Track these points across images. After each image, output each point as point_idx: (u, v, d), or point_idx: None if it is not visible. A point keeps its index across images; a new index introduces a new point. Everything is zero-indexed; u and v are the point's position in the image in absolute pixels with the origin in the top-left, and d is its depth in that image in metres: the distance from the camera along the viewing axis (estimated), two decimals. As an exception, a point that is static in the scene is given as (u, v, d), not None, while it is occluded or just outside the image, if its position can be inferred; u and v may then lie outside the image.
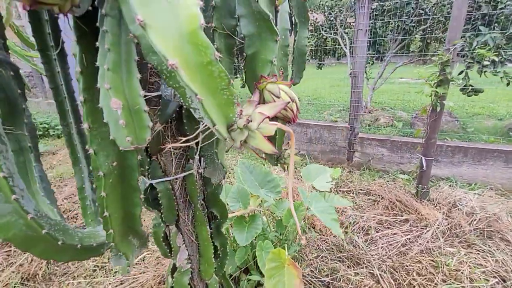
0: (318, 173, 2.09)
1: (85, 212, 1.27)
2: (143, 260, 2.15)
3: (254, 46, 0.49)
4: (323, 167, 2.13)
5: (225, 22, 0.51)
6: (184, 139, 0.66)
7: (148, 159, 0.98)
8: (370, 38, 4.34)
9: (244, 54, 0.50)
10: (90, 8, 0.48)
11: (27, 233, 0.42)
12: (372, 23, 4.48)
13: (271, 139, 0.76)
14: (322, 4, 5.68)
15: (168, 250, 1.13)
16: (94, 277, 2.01)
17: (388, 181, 3.16)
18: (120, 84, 0.40)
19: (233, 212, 1.77)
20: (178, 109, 0.86)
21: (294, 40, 0.99)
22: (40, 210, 0.46)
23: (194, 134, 0.70)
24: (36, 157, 0.73)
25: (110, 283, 1.93)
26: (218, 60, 0.30)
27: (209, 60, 0.29)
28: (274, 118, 0.43)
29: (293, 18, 0.97)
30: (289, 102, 0.47)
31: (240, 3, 0.46)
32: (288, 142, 0.76)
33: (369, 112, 5.67)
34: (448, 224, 2.34)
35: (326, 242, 2.28)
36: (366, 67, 5.03)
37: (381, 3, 4.46)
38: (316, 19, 6.23)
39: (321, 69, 6.69)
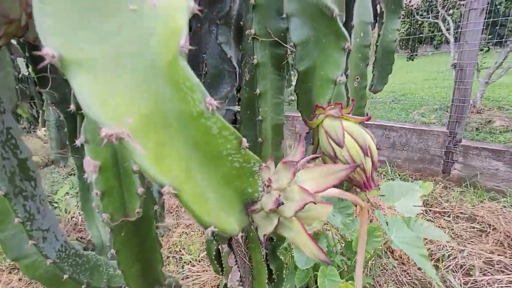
0: (403, 192, 1.71)
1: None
2: (206, 257, 2.23)
3: (309, 58, 0.33)
4: (411, 185, 1.73)
5: (271, 24, 0.37)
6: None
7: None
8: (487, 19, 3.38)
9: (296, 69, 0.35)
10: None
11: (51, 274, 0.40)
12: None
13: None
14: (419, -17, 4.77)
15: (220, 268, 1.08)
16: None
17: (504, 206, 2.42)
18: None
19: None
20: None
21: (378, 35, 0.76)
22: (67, 247, 0.44)
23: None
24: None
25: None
26: (217, 108, 0.17)
27: (200, 110, 0.17)
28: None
29: (378, 6, 0.74)
30: (357, 166, 0.30)
31: None
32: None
33: (478, 112, 4.53)
34: None
35: (407, 274, 1.89)
36: (477, 55, 3.99)
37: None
38: (410, 1, 5.30)
39: (412, 60, 5.70)
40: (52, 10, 0.14)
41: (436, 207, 2.59)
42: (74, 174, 3.73)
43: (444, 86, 6.89)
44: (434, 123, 4.45)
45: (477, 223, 2.25)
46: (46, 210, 0.42)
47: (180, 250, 2.45)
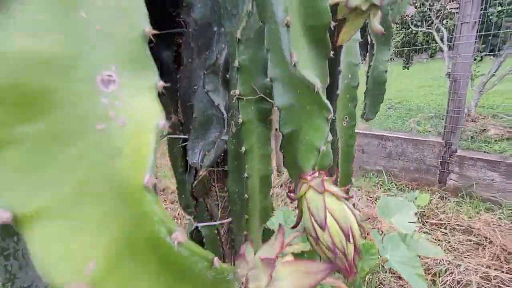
0: (398, 208, 1.71)
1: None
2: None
3: (293, 122, 0.33)
4: (405, 202, 1.73)
5: (257, 82, 0.37)
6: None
7: (195, 201, 0.92)
8: (480, 32, 3.44)
9: (280, 133, 0.35)
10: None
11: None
12: (483, 11, 3.54)
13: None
14: (413, -6, 4.85)
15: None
16: None
17: (500, 218, 2.42)
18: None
19: (291, 245, 1.60)
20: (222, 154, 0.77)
21: (369, 66, 0.76)
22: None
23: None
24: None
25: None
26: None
27: (168, 244, 0.16)
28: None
29: (368, 37, 0.75)
30: (337, 268, 0.29)
31: (272, 60, 0.31)
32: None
33: (473, 121, 4.57)
34: None
35: (404, 289, 1.88)
36: (471, 65, 4.04)
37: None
38: (404, 12, 5.38)
39: (408, 69, 5.76)
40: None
41: (433, 219, 2.58)
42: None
43: (439, 94, 6.95)
44: (429, 131, 4.48)
45: (474, 235, 2.25)
46: (28, 263, 0.41)
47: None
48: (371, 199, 3.05)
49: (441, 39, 4.64)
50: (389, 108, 6.24)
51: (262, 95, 0.37)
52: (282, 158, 0.36)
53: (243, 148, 0.40)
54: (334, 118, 0.50)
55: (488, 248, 2.07)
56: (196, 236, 0.98)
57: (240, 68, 0.35)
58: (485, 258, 2.00)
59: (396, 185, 3.41)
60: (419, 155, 3.31)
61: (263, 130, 0.42)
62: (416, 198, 2.87)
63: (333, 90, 0.48)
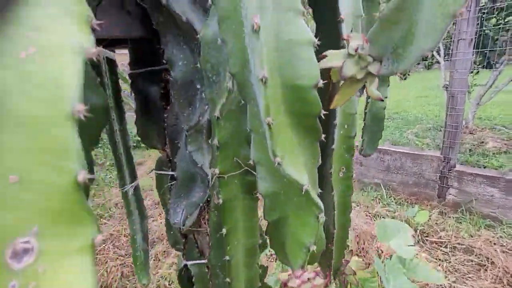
0: (395, 231, 1.67)
1: (135, 262, 1.30)
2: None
3: (279, 211, 0.29)
4: (403, 224, 1.70)
5: (241, 154, 0.33)
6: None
7: (184, 238, 0.88)
8: (477, 48, 3.46)
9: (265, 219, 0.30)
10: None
11: None
12: (479, 28, 3.56)
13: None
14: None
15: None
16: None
17: (501, 236, 2.38)
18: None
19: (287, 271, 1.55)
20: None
21: (367, 103, 0.73)
22: None
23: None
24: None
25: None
26: None
27: None
28: None
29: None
30: None
31: (255, 144, 0.27)
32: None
33: (471, 133, 4.57)
34: None
35: (405, 314, 1.81)
36: (468, 78, 4.05)
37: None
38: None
39: (405, 79, 5.79)
40: None
41: (433, 236, 2.54)
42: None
43: (436, 104, 6.97)
44: (427, 143, 4.47)
45: (475, 255, 2.20)
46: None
47: (169, 284, 2.34)
48: (370, 214, 3.00)
49: (437, 52, 4.67)
50: (386, 119, 6.24)
51: (247, 168, 0.33)
52: (269, 241, 0.32)
53: (224, 231, 0.36)
54: (330, 172, 0.46)
55: (490, 270, 2.02)
56: (185, 273, 0.93)
57: (220, 146, 0.32)
58: (487, 280, 1.95)
59: (395, 199, 3.36)
60: (417, 169, 3.28)
61: (249, 202, 0.38)
62: (415, 215, 2.83)
63: (328, 144, 0.45)
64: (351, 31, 0.36)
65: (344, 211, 0.50)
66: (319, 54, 0.41)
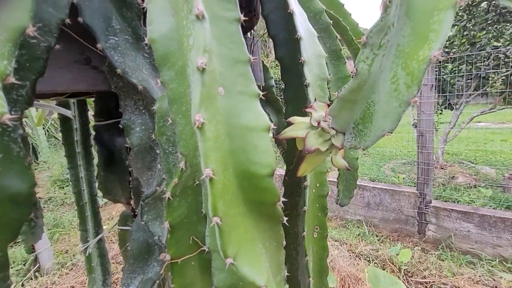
0: (388, 283, 1.62)
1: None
2: None
3: None
4: (396, 280, 1.65)
5: (199, 232, 0.31)
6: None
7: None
8: (438, 92, 3.81)
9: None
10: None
11: None
12: (437, 75, 3.97)
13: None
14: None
15: None
16: None
17: (482, 275, 2.38)
18: None
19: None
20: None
21: (340, 153, 0.75)
22: None
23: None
24: None
25: None
26: None
27: None
28: None
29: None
30: None
31: (210, 230, 0.25)
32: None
33: (442, 168, 4.81)
34: None
35: None
36: (434, 119, 4.39)
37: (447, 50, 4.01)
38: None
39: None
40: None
41: (417, 276, 2.49)
42: (19, 243, 3.22)
43: (410, 140, 7.39)
44: (403, 178, 4.62)
45: (460, 296, 2.16)
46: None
47: None
48: (353, 254, 2.92)
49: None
50: (364, 154, 6.48)
51: (205, 247, 0.30)
52: None
53: None
54: (303, 236, 0.44)
55: (476, 312, 1.98)
56: None
57: (172, 228, 0.29)
58: (475, 324, 1.89)
59: (377, 236, 3.34)
60: (396, 205, 3.33)
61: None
62: (398, 253, 2.80)
63: (300, 205, 0.43)
64: (315, 100, 0.37)
65: (320, 274, 0.47)
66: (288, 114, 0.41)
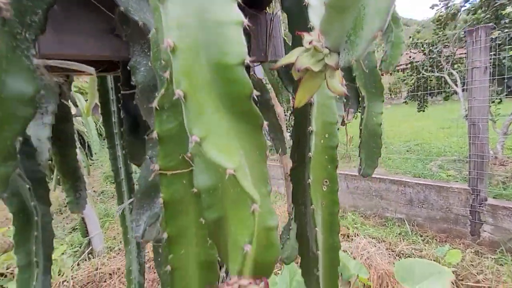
0: (425, 274, 1.43)
1: (130, 297, 1.23)
2: None
3: (216, 207, 0.26)
4: (437, 266, 1.44)
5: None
6: None
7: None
8: (493, 76, 3.37)
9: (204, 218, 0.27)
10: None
11: None
12: (494, 57, 3.50)
13: None
14: (421, 43, 4.99)
15: None
16: None
17: (553, 283, 2.04)
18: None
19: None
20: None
21: (362, 119, 0.71)
22: None
23: None
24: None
25: None
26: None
27: None
28: None
29: (358, 90, 0.71)
30: None
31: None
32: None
33: (502, 165, 4.23)
34: None
35: None
36: (490, 107, 3.89)
37: (507, 31, 3.52)
38: (414, 58, 5.50)
39: (424, 111, 5.64)
40: None
41: (469, 280, 2.22)
42: (77, 229, 3.64)
43: (461, 135, 6.62)
44: (453, 175, 4.17)
45: (523, 305, 1.88)
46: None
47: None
48: (393, 252, 2.72)
49: (455, 83, 4.60)
50: (407, 151, 5.99)
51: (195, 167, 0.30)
52: (217, 248, 0.28)
53: (165, 235, 0.32)
54: (308, 183, 0.43)
55: (543, 323, 1.70)
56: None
57: (161, 140, 0.30)
58: (541, 337, 1.63)
59: (421, 236, 3.06)
60: (444, 203, 3.02)
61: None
62: (445, 254, 2.53)
63: (305, 152, 0.42)
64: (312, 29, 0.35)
65: (330, 230, 0.45)
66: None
